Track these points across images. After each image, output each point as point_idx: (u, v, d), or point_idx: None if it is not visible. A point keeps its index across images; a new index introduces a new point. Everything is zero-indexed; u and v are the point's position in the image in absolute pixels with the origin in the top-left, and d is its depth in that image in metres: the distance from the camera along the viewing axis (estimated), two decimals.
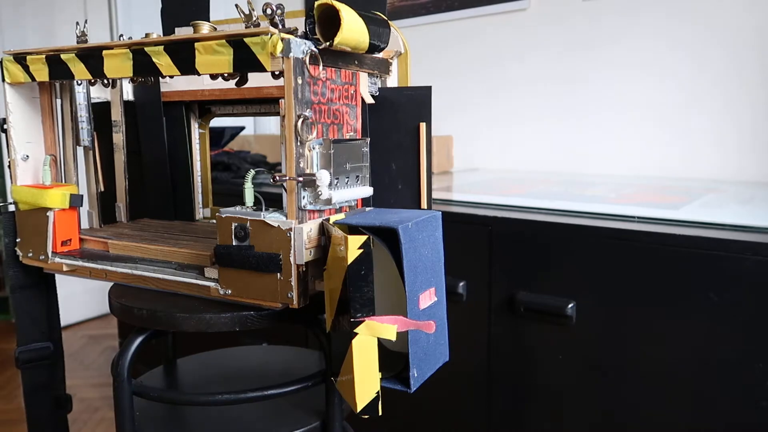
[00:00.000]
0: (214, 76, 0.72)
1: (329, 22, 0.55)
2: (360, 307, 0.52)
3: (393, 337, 0.53)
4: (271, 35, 0.54)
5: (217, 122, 1.81)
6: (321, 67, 0.57)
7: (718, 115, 1.36)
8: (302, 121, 0.55)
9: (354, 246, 0.51)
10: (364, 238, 0.52)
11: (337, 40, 0.54)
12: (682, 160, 1.42)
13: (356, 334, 0.52)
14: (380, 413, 0.54)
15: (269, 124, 2.26)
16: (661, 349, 0.83)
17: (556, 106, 1.59)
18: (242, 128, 1.81)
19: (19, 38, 2.41)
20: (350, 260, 0.52)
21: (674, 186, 1.26)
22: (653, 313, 0.84)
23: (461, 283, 1.01)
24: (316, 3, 0.54)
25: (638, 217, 0.91)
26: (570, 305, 0.90)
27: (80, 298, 2.57)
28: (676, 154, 1.42)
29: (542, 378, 0.95)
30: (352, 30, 0.55)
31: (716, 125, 1.37)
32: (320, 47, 0.56)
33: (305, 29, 0.56)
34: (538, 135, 1.62)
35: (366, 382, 0.53)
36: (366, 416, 0.54)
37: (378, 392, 0.54)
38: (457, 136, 1.75)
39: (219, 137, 1.67)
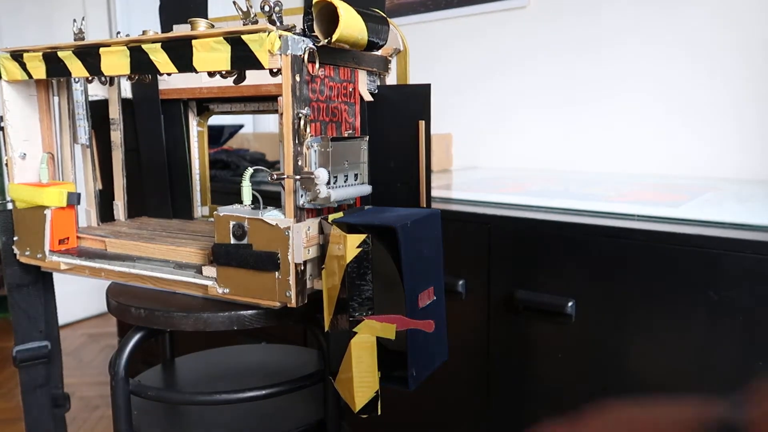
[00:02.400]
0: (211, 74, 0.72)
1: (328, 19, 0.55)
2: (359, 306, 0.52)
3: (392, 336, 0.53)
4: (269, 32, 0.53)
5: (216, 120, 1.80)
6: (319, 65, 0.56)
7: (718, 113, 1.36)
8: (300, 119, 0.54)
9: (353, 245, 0.51)
10: (362, 236, 0.51)
11: (335, 36, 0.54)
12: (682, 158, 1.42)
13: (355, 333, 0.52)
14: (379, 412, 0.54)
15: (268, 122, 2.25)
16: (660, 348, 0.83)
17: (556, 104, 1.58)
18: (241, 126, 1.81)
19: (17, 35, 2.40)
20: (349, 259, 0.52)
21: (674, 184, 1.26)
22: (653, 312, 0.83)
23: (460, 282, 1.01)
24: (315, 0, 0.54)
25: (638, 216, 0.91)
26: (569, 303, 0.89)
27: (80, 297, 2.57)
28: (676, 152, 1.42)
29: (542, 377, 0.95)
30: (351, 27, 0.55)
31: (717, 123, 1.36)
32: (319, 44, 0.56)
33: (303, 26, 0.56)
34: (538, 133, 1.62)
35: (365, 381, 0.53)
36: (365, 416, 0.53)
37: (377, 391, 0.54)
38: (457, 134, 1.75)
39: (218, 135, 1.67)
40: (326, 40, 0.55)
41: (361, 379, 0.53)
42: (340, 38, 0.54)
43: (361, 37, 0.57)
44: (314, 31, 0.55)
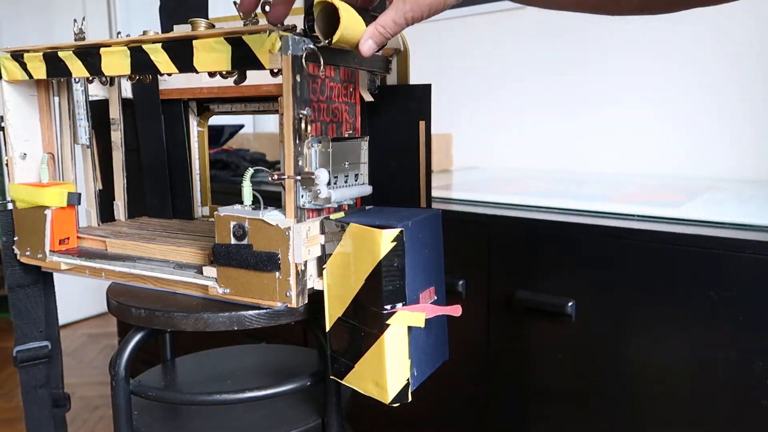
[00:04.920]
0: (212, 74, 0.72)
1: (328, 19, 0.55)
2: (393, 298, 0.53)
3: (422, 325, 0.54)
4: (270, 33, 0.53)
5: (216, 120, 1.80)
6: (319, 65, 0.56)
7: (718, 112, 1.36)
8: (300, 119, 0.54)
9: (388, 240, 0.52)
10: (397, 231, 0.52)
11: (335, 38, 0.54)
12: (681, 158, 1.42)
13: (389, 325, 0.53)
14: (410, 399, 0.55)
15: (269, 122, 2.25)
16: (660, 348, 0.83)
17: (556, 104, 1.58)
18: (241, 126, 1.81)
19: (17, 35, 2.40)
20: (384, 254, 0.52)
21: (674, 184, 1.26)
22: (653, 312, 0.83)
23: (460, 282, 1.01)
24: (315, 1, 0.54)
25: (638, 216, 0.91)
26: (569, 304, 0.89)
27: (80, 297, 2.56)
28: (676, 151, 1.42)
29: (541, 377, 0.95)
30: (351, 28, 0.55)
31: (716, 123, 1.37)
32: (319, 45, 0.56)
33: (304, 26, 0.56)
34: (538, 133, 1.62)
35: (397, 371, 0.54)
36: (396, 404, 0.55)
37: (408, 379, 0.55)
38: (457, 134, 1.75)
39: (218, 135, 1.67)
40: (326, 41, 0.55)
41: (394, 369, 0.54)
42: (340, 40, 0.54)
43: (359, 27, 0.57)
44: (315, 32, 0.55)
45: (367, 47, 0.54)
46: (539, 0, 0.54)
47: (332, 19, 0.54)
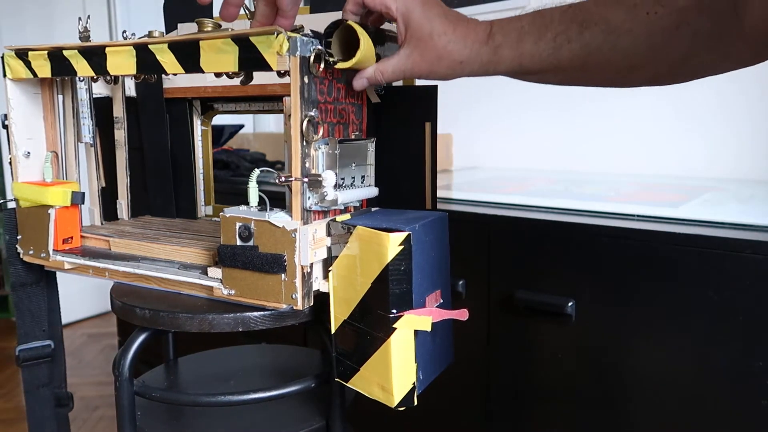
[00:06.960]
0: (218, 74, 0.72)
1: (345, 41, 0.57)
2: (399, 302, 0.53)
3: (429, 329, 0.54)
4: (277, 34, 0.53)
5: (216, 120, 1.80)
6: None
7: (718, 113, 1.37)
8: (308, 121, 0.54)
9: (395, 243, 0.52)
10: (405, 235, 0.52)
11: (351, 62, 0.56)
12: (681, 158, 1.42)
13: (395, 329, 0.53)
14: (416, 403, 0.55)
15: (268, 122, 2.25)
16: (660, 348, 0.84)
17: (556, 104, 1.59)
18: (241, 126, 1.81)
19: (17, 33, 2.39)
20: (391, 258, 0.52)
21: (673, 184, 1.26)
22: (652, 312, 0.84)
23: (460, 282, 1.01)
24: (339, 25, 0.56)
25: (638, 216, 0.91)
26: (569, 303, 0.90)
27: (79, 297, 2.55)
28: (676, 152, 1.43)
29: (541, 377, 0.95)
30: (366, 54, 0.57)
31: (716, 124, 1.37)
32: (334, 65, 0.57)
33: (321, 45, 0.56)
34: (538, 133, 1.62)
35: (403, 374, 0.54)
36: (402, 408, 0.55)
37: (414, 383, 0.55)
38: (457, 135, 1.75)
39: (218, 135, 1.67)
40: (339, 60, 0.56)
41: (400, 373, 0.54)
42: (355, 65, 0.56)
43: (371, 58, 0.58)
44: (330, 50, 0.56)
45: (359, 84, 0.58)
46: (551, 78, 0.58)
47: (349, 41, 0.55)
